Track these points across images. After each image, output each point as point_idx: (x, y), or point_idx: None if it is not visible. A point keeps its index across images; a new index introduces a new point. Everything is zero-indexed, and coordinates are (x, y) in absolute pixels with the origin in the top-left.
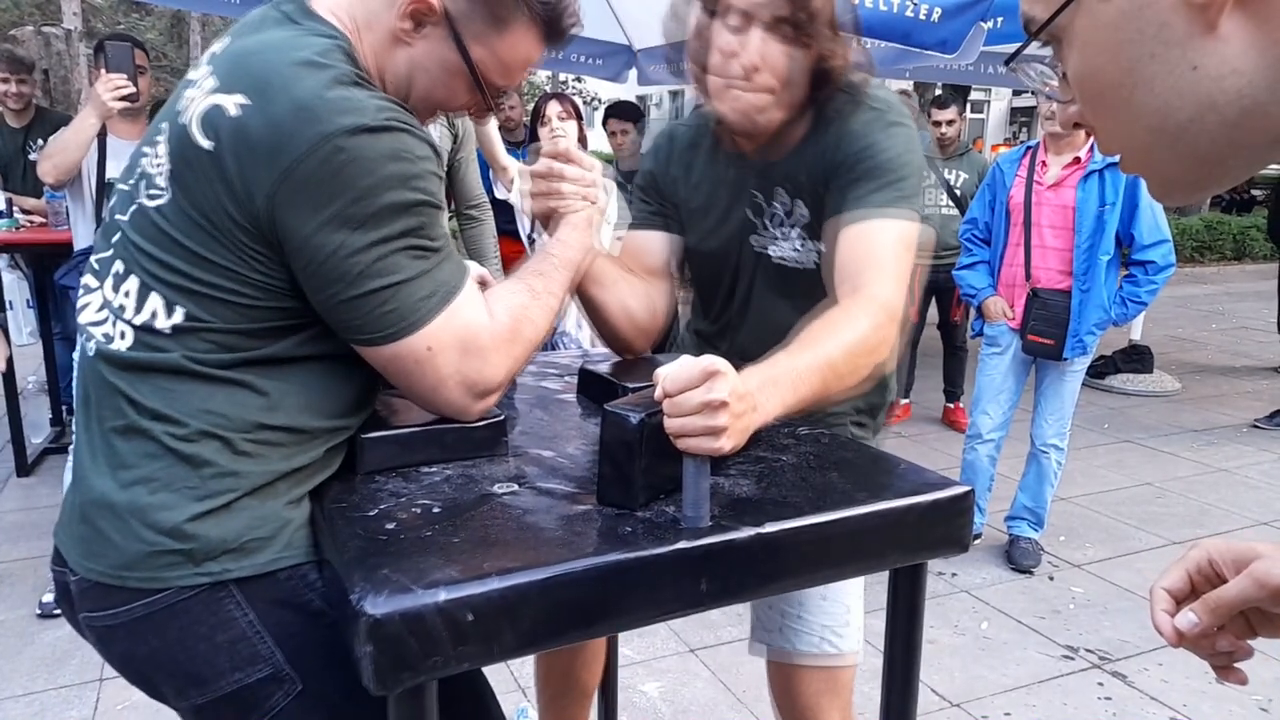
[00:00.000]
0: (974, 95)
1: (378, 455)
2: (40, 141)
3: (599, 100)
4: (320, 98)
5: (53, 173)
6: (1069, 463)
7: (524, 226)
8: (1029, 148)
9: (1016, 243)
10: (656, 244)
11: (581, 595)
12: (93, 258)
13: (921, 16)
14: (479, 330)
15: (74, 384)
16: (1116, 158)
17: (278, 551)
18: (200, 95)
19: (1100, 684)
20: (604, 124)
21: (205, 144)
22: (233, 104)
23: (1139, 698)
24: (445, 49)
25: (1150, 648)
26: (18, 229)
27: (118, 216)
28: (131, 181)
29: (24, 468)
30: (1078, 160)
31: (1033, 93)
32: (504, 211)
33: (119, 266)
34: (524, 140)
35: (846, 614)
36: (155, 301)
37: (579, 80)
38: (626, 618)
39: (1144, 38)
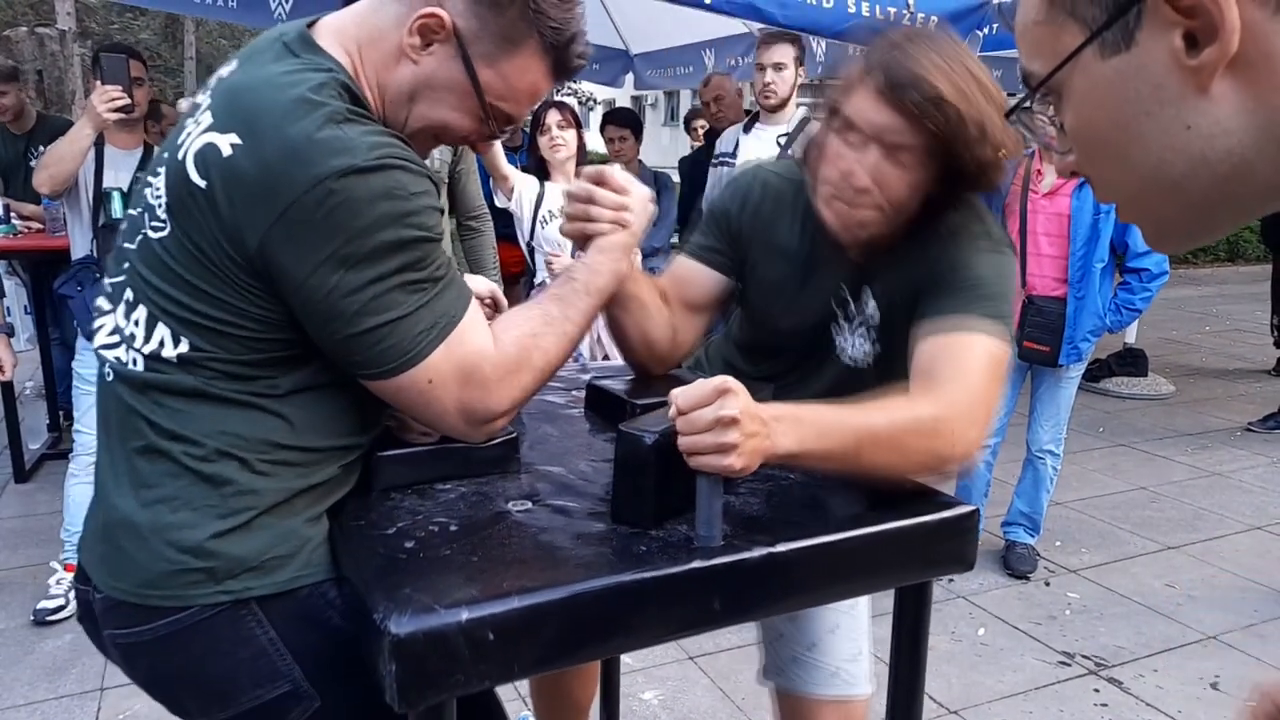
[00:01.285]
0: None
1: (393, 473)
2: (42, 148)
3: (594, 100)
4: (311, 139)
5: (48, 183)
6: (1064, 467)
7: (523, 234)
8: (1024, 156)
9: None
10: (704, 278)
11: (599, 614)
12: (106, 281)
13: (918, 24)
14: (480, 360)
15: (96, 404)
16: None
17: (298, 570)
18: (197, 130)
19: (1096, 690)
20: (602, 130)
21: (199, 182)
22: (226, 143)
23: (1135, 704)
24: (453, 68)
25: (1146, 653)
26: (15, 235)
27: (126, 244)
28: (138, 210)
29: (22, 474)
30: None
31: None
32: (502, 218)
33: (129, 294)
34: (521, 145)
35: (858, 646)
36: (162, 331)
37: (575, 82)
38: (642, 635)
39: (1140, 96)
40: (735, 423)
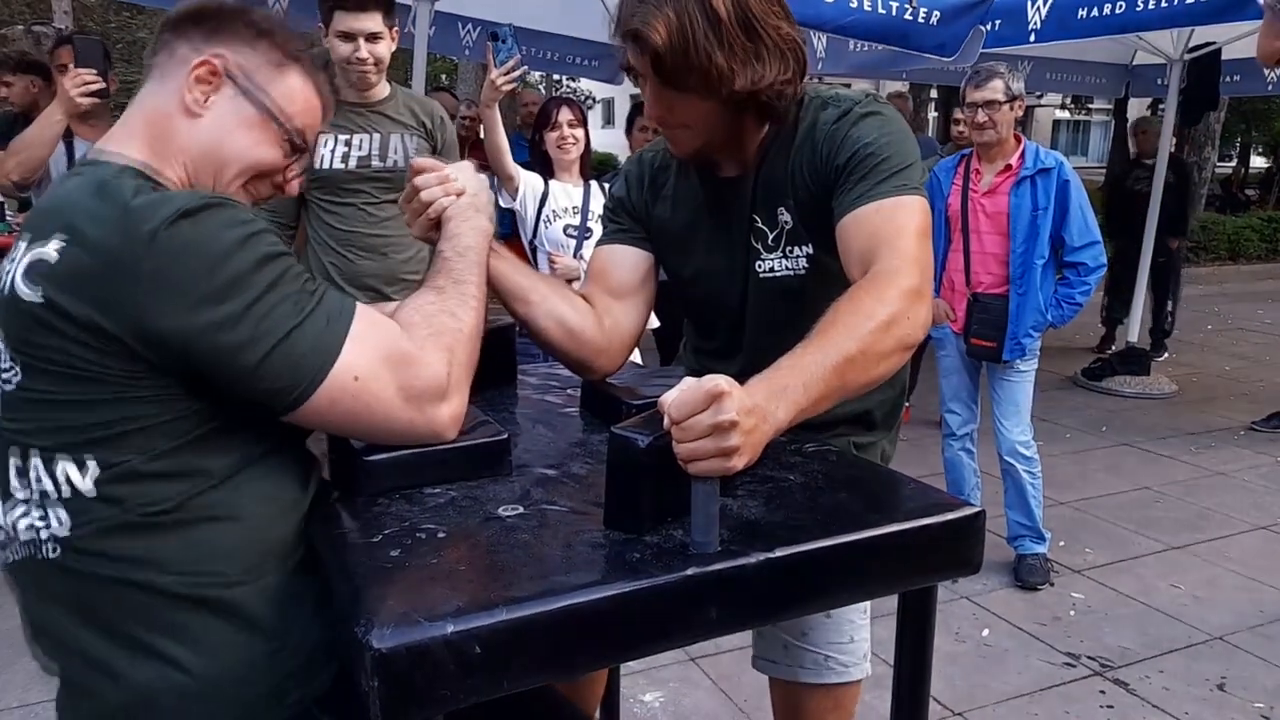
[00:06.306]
0: None
1: (382, 478)
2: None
3: (593, 99)
4: (129, 207)
5: (18, 170)
6: (1068, 466)
7: (526, 233)
8: (963, 156)
9: (957, 249)
10: (625, 258)
11: (591, 625)
12: None
13: (920, 19)
14: (394, 339)
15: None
16: (1047, 163)
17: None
18: (18, 258)
19: (1102, 692)
20: (630, 122)
21: (35, 298)
22: (52, 250)
23: (1141, 706)
24: (240, 105)
25: (1152, 654)
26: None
27: None
28: None
29: None
30: (1009, 168)
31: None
32: (506, 217)
33: (17, 461)
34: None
35: (851, 631)
36: (65, 465)
37: (573, 80)
38: (636, 647)
39: None
40: (735, 425)
